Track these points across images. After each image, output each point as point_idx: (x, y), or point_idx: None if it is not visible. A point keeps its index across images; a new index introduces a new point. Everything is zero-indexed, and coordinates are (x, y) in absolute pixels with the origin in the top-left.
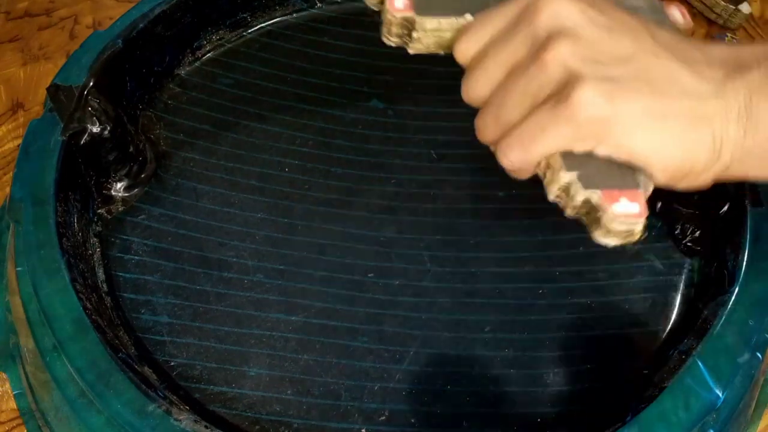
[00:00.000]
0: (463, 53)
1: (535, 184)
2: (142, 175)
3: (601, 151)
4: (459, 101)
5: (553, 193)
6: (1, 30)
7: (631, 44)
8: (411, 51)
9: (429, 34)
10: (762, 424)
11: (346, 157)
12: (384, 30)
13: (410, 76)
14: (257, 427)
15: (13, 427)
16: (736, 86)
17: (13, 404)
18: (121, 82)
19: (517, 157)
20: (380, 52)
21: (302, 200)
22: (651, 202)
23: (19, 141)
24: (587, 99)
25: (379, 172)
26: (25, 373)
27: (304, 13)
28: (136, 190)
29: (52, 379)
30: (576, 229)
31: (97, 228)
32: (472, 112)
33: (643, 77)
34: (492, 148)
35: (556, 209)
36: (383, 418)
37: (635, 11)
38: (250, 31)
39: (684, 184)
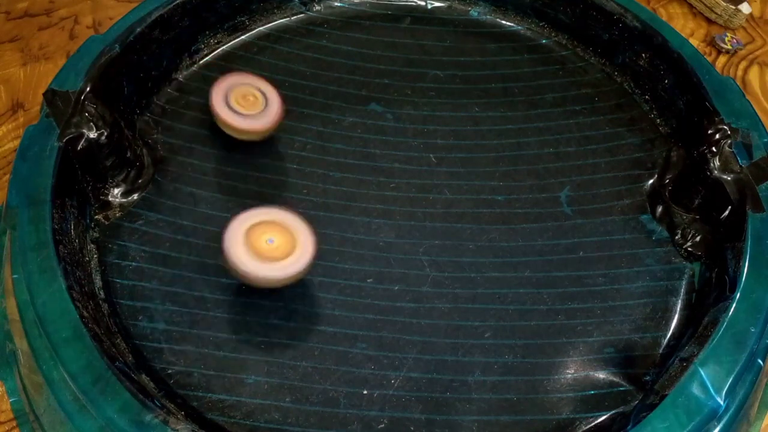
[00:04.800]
0: None
1: (535, 188)
2: (140, 181)
3: None
4: (458, 105)
5: None
6: (1, 30)
7: None
8: None
9: None
10: (764, 423)
11: (344, 161)
12: None
13: (409, 79)
14: None
15: (13, 427)
16: None
17: None
18: (118, 87)
19: None
20: (379, 56)
21: (300, 205)
22: (652, 206)
23: (19, 141)
24: None
25: (378, 176)
26: (20, 376)
27: (302, 16)
28: (134, 195)
29: (46, 383)
30: (575, 234)
31: (94, 234)
32: (471, 115)
33: None
34: None
35: (555, 214)
36: (382, 425)
37: None
38: (248, 34)
39: None
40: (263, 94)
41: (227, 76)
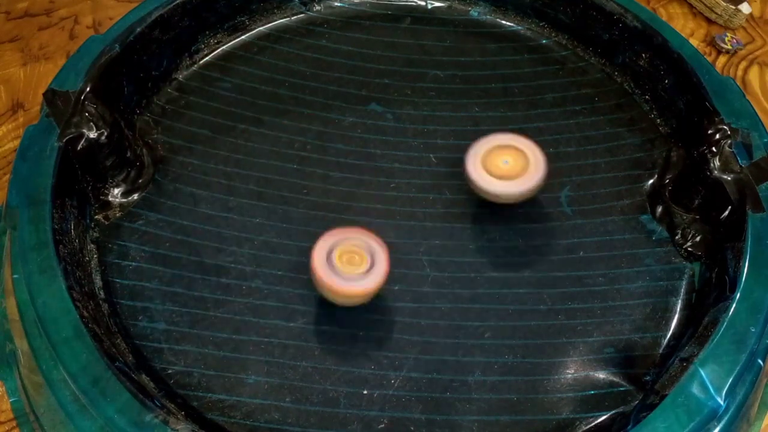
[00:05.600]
0: None
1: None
2: (140, 181)
3: None
4: (458, 105)
5: None
6: (1, 30)
7: None
8: None
9: None
10: (765, 423)
11: (344, 161)
12: None
13: (409, 79)
14: None
15: (13, 427)
16: None
17: None
18: (118, 87)
19: None
20: (379, 56)
21: (301, 205)
22: (652, 206)
23: (19, 141)
24: None
25: (378, 176)
26: (20, 376)
27: (302, 16)
28: (134, 195)
29: (47, 383)
30: (576, 233)
31: (95, 234)
32: (471, 115)
33: None
34: None
35: (555, 214)
36: (382, 425)
37: None
38: (248, 34)
39: None
40: (369, 250)
41: (333, 232)
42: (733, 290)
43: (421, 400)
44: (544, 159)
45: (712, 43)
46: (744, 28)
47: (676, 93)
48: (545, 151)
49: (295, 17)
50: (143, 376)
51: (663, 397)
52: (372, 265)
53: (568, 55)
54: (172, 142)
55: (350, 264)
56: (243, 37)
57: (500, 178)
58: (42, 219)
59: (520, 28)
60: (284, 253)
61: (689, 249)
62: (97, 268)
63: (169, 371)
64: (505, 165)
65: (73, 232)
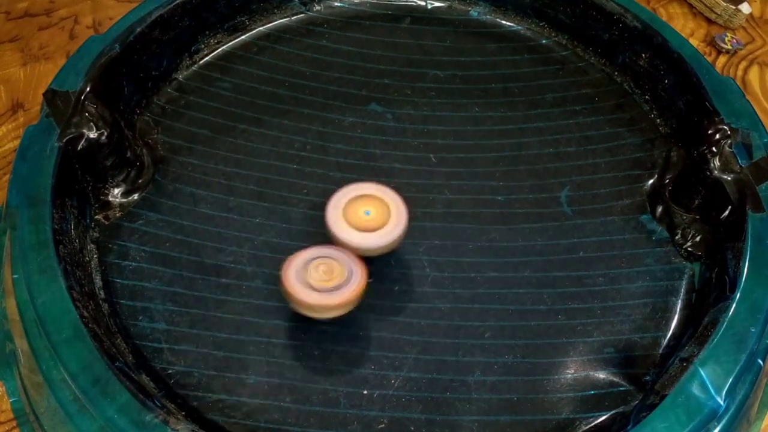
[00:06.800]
0: None
1: (535, 188)
2: (140, 181)
3: None
4: (458, 105)
5: None
6: (1, 30)
7: None
8: None
9: None
10: (765, 423)
11: (344, 161)
12: None
13: (409, 79)
14: None
15: (13, 427)
16: None
17: None
18: (118, 87)
19: None
20: (379, 56)
21: (300, 205)
22: (652, 206)
23: (19, 141)
24: None
25: (378, 176)
26: (20, 376)
27: (302, 16)
28: (134, 195)
29: (47, 383)
30: (575, 234)
31: (95, 234)
32: (471, 115)
33: None
34: None
35: (555, 214)
36: (382, 425)
37: None
38: (248, 34)
39: None
40: (345, 264)
41: (303, 251)
42: (733, 290)
43: (421, 400)
44: (405, 210)
45: (712, 43)
46: (744, 28)
47: (676, 93)
48: (545, 151)
49: (295, 17)
50: (143, 376)
51: (663, 397)
52: (349, 276)
53: (568, 55)
54: (172, 142)
55: (326, 275)
56: (243, 37)
57: (361, 229)
58: (42, 219)
59: (520, 28)
60: (284, 253)
61: (689, 249)
62: (97, 268)
63: (169, 371)
64: (367, 216)
65: (73, 232)
